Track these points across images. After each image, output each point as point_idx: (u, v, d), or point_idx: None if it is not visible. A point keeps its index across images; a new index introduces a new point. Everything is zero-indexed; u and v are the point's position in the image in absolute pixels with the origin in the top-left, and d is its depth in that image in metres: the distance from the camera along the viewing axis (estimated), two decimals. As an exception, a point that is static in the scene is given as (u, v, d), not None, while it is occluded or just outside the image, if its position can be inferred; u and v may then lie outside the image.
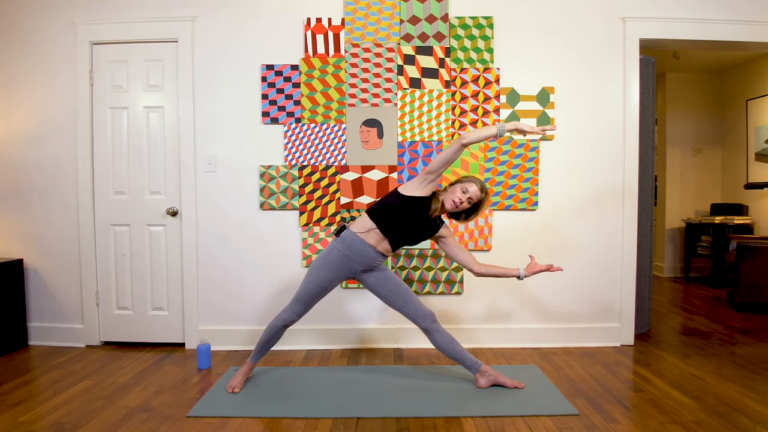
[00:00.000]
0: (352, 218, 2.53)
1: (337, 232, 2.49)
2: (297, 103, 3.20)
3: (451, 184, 2.48)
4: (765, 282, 4.12)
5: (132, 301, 3.32)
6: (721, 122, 5.85)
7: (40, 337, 3.34)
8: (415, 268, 3.22)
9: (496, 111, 3.20)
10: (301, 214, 3.23)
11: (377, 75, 3.19)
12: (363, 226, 2.44)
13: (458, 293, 3.25)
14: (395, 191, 2.45)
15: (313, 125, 3.20)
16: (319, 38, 3.19)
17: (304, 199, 3.22)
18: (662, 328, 3.69)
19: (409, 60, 3.19)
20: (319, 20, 3.18)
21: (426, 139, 3.20)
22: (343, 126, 3.20)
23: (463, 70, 3.19)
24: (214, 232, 3.26)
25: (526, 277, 2.52)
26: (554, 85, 3.22)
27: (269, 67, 3.20)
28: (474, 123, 3.20)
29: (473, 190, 2.40)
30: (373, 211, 2.45)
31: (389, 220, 2.41)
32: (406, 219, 2.41)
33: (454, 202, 2.39)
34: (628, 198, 3.24)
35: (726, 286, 4.90)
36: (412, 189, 2.41)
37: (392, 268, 3.23)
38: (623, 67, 3.22)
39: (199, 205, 3.25)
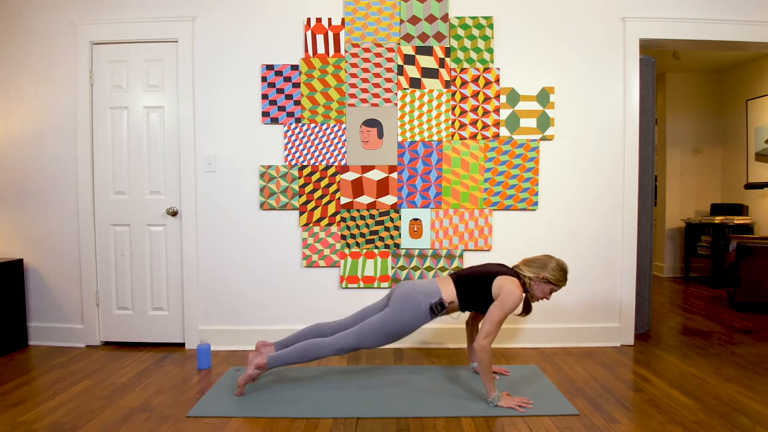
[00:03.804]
0: (442, 303, 2.42)
1: (438, 313, 2.41)
2: (297, 103, 3.20)
3: (544, 280, 2.41)
4: (765, 282, 4.12)
5: (132, 301, 3.32)
6: (721, 122, 5.85)
7: (40, 337, 3.34)
8: (415, 268, 3.22)
9: (496, 111, 3.20)
10: (301, 214, 3.23)
11: (377, 75, 3.19)
12: (453, 311, 2.47)
13: (458, 293, 3.25)
14: (490, 297, 2.39)
15: (313, 125, 3.20)
16: (319, 38, 3.19)
17: (304, 199, 3.22)
18: (662, 328, 3.69)
19: (409, 60, 3.19)
20: (319, 20, 3.18)
21: (426, 139, 3.20)
22: (343, 126, 3.20)
23: (463, 70, 3.19)
24: (214, 232, 3.26)
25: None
26: (554, 85, 3.22)
27: (269, 67, 3.20)
28: (474, 123, 3.20)
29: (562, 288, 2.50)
30: (464, 302, 2.44)
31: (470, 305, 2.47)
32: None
33: (540, 299, 2.48)
34: (628, 198, 3.24)
35: (726, 286, 4.90)
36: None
37: (392, 268, 3.23)
38: (623, 67, 3.22)
39: (199, 205, 3.25)
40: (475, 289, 2.42)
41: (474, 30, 3.18)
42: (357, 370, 2.84)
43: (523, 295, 2.41)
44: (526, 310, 2.58)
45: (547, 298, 2.48)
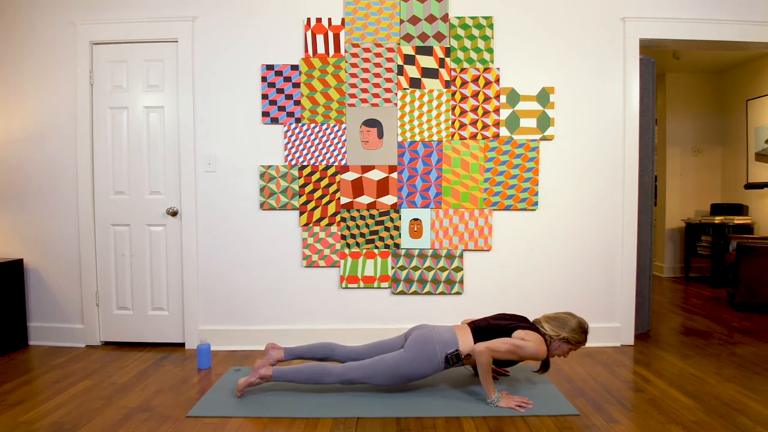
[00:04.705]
0: (455, 353, 2.35)
1: (453, 364, 2.37)
2: (297, 103, 3.20)
3: (564, 340, 2.39)
4: (765, 282, 4.12)
5: (132, 301, 3.32)
6: (721, 122, 5.85)
7: (40, 337, 3.34)
8: (415, 268, 3.23)
9: (496, 111, 3.20)
10: (301, 214, 3.23)
11: (377, 75, 3.19)
12: (470, 363, 2.43)
13: (458, 293, 3.25)
14: (509, 339, 2.33)
15: (313, 125, 3.21)
16: (319, 38, 3.19)
17: (304, 199, 3.22)
18: (662, 328, 3.69)
19: (409, 60, 3.19)
20: (319, 20, 3.18)
21: (426, 139, 3.20)
22: (343, 126, 3.20)
23: (463, 70, 3.19)
24: (214, 232, 3.26)
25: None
26: (554, 85, 3.22)
27: (269, 67, 3.20)
28: (474, 123, 3.20)
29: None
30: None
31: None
32: None
33: (556, 356, 2.45)
34: (628, 198, 3.24)
35: (726, 286, 4.90)
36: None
37: (392, 268, 3.23)
38: (623, 67, 3.22)
39: (199, 205, 3.25)
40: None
41: (474, 30, 3.18)
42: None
43: (546, 353, 2.34)
44: (544, 367, 2.47)
45: (565, 357, 2.48)
